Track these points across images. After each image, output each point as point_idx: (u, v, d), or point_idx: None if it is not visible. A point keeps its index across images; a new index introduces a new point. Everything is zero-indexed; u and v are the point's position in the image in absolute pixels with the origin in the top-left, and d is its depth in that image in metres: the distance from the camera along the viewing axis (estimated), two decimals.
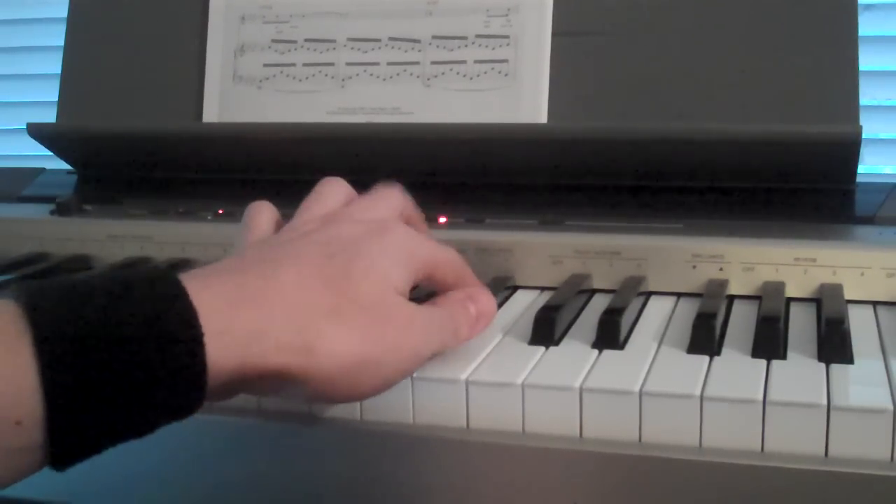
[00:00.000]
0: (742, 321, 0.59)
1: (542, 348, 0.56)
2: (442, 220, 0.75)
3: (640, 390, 0.49)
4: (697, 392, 0.48)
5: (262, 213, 0.56)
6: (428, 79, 0.81)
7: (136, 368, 0.40)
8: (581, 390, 0.49)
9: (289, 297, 0.46)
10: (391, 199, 0.57)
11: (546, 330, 0.57)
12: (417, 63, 0.82)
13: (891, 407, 0.46)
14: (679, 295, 0.66)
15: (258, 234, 0.54)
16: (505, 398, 0.50)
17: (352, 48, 0.84)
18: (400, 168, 0.83)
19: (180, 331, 0.41)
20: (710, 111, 0.75)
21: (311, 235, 0.51)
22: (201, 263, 0.73)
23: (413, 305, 0.50)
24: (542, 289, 0.68)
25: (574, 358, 0.53)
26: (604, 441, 0.49)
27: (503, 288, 0.66)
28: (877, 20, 1.08)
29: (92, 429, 0.41)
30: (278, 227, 0.55)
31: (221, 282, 0.45)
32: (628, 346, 0.56)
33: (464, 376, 0.51)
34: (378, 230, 0.51)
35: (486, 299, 0.55)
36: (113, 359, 0.40)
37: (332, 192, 0.57)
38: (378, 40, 0.83)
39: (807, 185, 0.75)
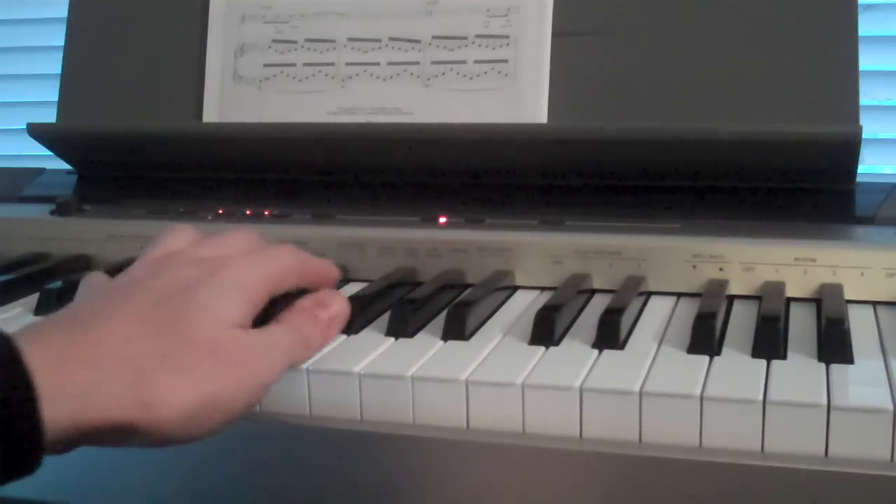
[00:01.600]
0: (742, 321, 0.59)
1: (542, 348, 0.56)
2: (442, 220, 0.75)
3: (640, 390, 0.49)
4: (697, 392, 0.48)
5: (175, 236, 0.55)
6: (428, 79, 0.82)
7: None
8: (581, 390, 0.49)
9: (121, 351, 0.45)
10: (236, 238, 0.56)
11: (546, 330, 0.57)
12: (417, 63, 0.82)
13: (891, 407, 0.46)
14: (679, 295, 0.66)
15: (159, 252, 0.54)
16: (505, 398, 0.50)
17: (352, 48, 0.84)
18: (400, 168, 0.83)
19: (15, 395, 0.41)
20: (710, 111, 0.75)
21: (142, 282, 0.50)
22: None
23: (253, 333, 0.50)
24: (542, 289, 0.68)
25: (574, 358, 0.53)
26: (604, 441, 0.49)
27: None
28: (877, 20, 1.08)
29: None
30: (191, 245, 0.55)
31: (55, 339, 0.45)
32: (628, 346, 0.56)
33: (464, 376, 0.51)
34: (209, 269, 0.51)
35: (337, 301, 0.55)
36: None
37: (175, 237, 0.56)
38: (378, 40, 0.83)
39: (807, 185, 0.75)
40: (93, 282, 0.55)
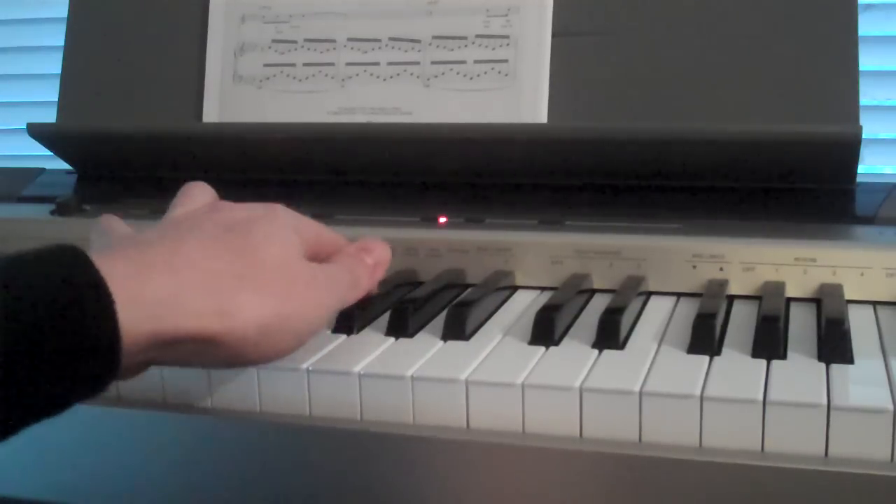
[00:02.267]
0: (742, 321, 0.59)
1: (542, 348, 0.56)
2: (442, 220, 0.75)
3: (640, 390, 0.49)
4: (697, 392, 0.48)
5: (195, 190, 0.57)
6: (428, 79, 0.82)
7: (48, 338, 0.40)
8: (581, 390, 0.49)
9: (197, 265, 0.47)
10: (265, 203, 0.58)
11: (546, 330, 0.57)
12: (417, 63, 0.82)
13: (891, 407, 0.46)
14: (679, 295, 0.66)
15: (191, 206, 0.55)
16: (505, 398, 0.50)
17: (352, 48, 0.84)
18: (400, 168, 0.83)
19: (90, 300, 0.41)
20: (710, 111, 0.75)
21: (205, 215, 0.52)
22: None
23: (314, 266, 0.53)
24: (542, 289, 0.68)
25: (574, 358, 0.53)
26: (604, 441, 0.49)
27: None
28: (877, 20, 1.08)
29: (4, 402, 0.40)
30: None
31: (128, 255, 0.46)
32: (628, 346, 0.56)
33: (464, 376, 0.51)
34: (264, 211, 0.53)
35: (381, 248, 0.59)
36: (24, 330, 0.40)
37: (200, 192, 0.57)
38: (378, 40, 0.83)
39: (807, 185, 0.75)
40: (113, 223, 0.55)
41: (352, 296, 0.56)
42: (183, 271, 0.46)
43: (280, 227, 0.52)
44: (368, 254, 0.58)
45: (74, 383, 0.42)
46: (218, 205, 0.55)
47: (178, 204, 0.56)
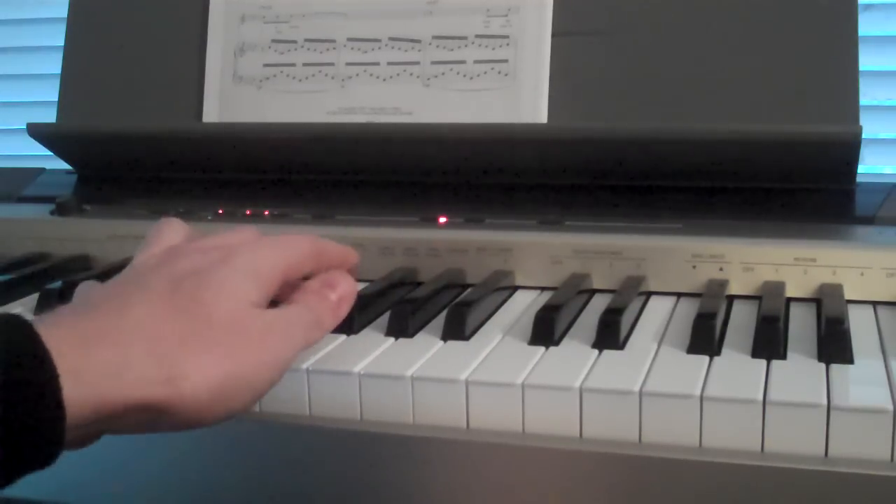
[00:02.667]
0: (742, 321, 0.59)
1: (542, 348, 0.56)
2: (442, 220, 0.75)
3: (640, 390, 0.49)
4: (697, 392, 0.48)
5: (165, 229, 0.56)
6: (428, 79, 0.81)
7: None
8: (581, 390, 0.49)
9: (143, 330, 0.45)
10: (241, 231, 0.57)
11: (546, 330, 0.57)
12: (417, 63, 0.82)
13: (891, 407, 0.46)
14: (679, 295, 0.66)
15: (156, 247, 0.54)
16: (505, 398, 0.50)
17: (352, 48, 0.84)
18: (400, 168, 0.83)
19: (33, 373, 0.40)
20: (710, 111, 0.75)
21: (155, 269, 0.50)
22: None
23: (270, 313, 0.50)
24: (542, 289, 0.68)
25: (574, 358, 0.53)
26: (604, 441, 0.49)
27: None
28: (877, 20, 1.08)
29: None
30: (187, 240, 0.55)
31: (73, 322, 0.44)
32: (628, 346, 0.56)
33: (464, 376, 0.51)
34: (221, 256, 0.51)
35: (345, 282, 0.56)
36: None
37: (171, 230, 0.56)
38: (378, 40, 0.83)
39: (807, 185, 0.75)
40: (89, 287, 0.54)
41: (313, 336, 0.53)
42: (128, 339, 0.44)
43: (233, 276, 0.49)
44: (332, 289, 0.55)
45: (18, 457, 0.41)
46: (176, 250, 0.53)
47: (147, 244, 0.54)
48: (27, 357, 0.40)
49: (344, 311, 0.56)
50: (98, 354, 0.43)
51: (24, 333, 0.41)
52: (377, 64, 0.83)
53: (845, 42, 0.73)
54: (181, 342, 0.46)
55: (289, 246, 0.54)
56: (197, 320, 0.47)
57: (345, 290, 0.56)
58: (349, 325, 0.59)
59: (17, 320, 0.42)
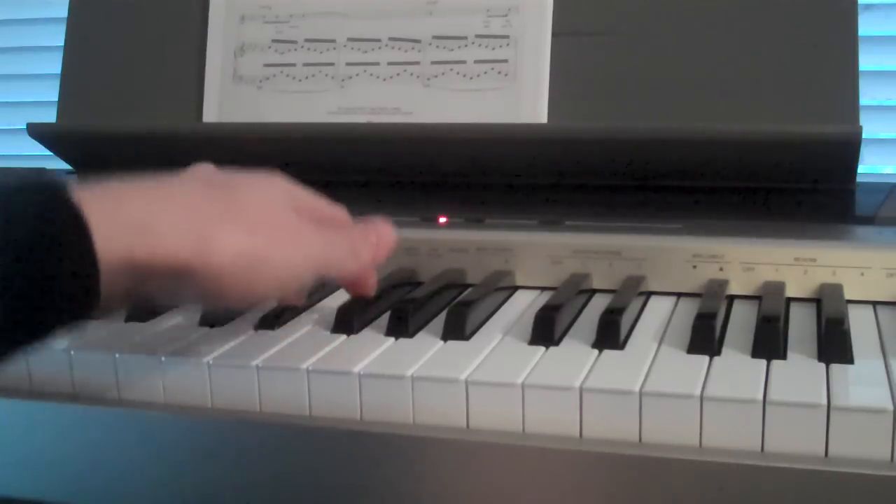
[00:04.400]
0: (742, 321, 0.59)
1: (542, 348, 0.56)
2: (442, 220, 0.75)
3: (640, 390, 0.49)
4: (697, 392, 0.48)
5: (200, 167, 0.57)
6: (428, 79, 0.82)
7: (25, 260, 0.41)
8: (581, 390, 0.49)
9: (175, 201, 0.47)
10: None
11: (546, 330, 0.57)
12: (417, 63, 0.82)
13: (891, 407, 0.46)
14: (679, 295, 0.66)
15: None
16: (505, 398, 0.50)
17: (352, 48, 0.84)
18: (400, 168, 0.83)
19: (67, 218, 0.42)
20: (710, 111, 0.75)
21: (196, 175, 0.53)
22: None
23: (306, 222, 0.53)
24: (542, 289, 0.68)
25: (574, 358, 0.53)
26: (604, 441, 0.49)
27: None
28: (877, 20, 1.08)
29: None
30: None
31: (109, 186, 0.46)
32: (628, 346, 0.56)
33: (464, 376, 0.51)
34: (259, 176, 0.54)
35: (387, 230, 0.59)
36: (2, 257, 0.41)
37: (204, 167, 0.58)
38: (378, 40, 0.83)
39: (807, 185, 0.75)
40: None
41: (349, 265, 0.56)
42: (163, 203, 0.47)
43: (272, 185, 0.52)
44: (374, 232, 0.58)
45: (56, 301, 0.42)
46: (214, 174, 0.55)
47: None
48: (62, 205, 0.42)
49: (382, 254, 0.58)
50: (130, 207, 0.45)
51: (59, 187, 0.43)
52: (377, 64, 0.83)
53: (845, 42, 0.73)
54: (211, 215, 0.48)
55: (326, 201, 0.57)
56: (231, 204, 0.49)
57: (385, 236, 0.59)
58: (349, 325, 0.59)
59: (52, 176, 0.44)
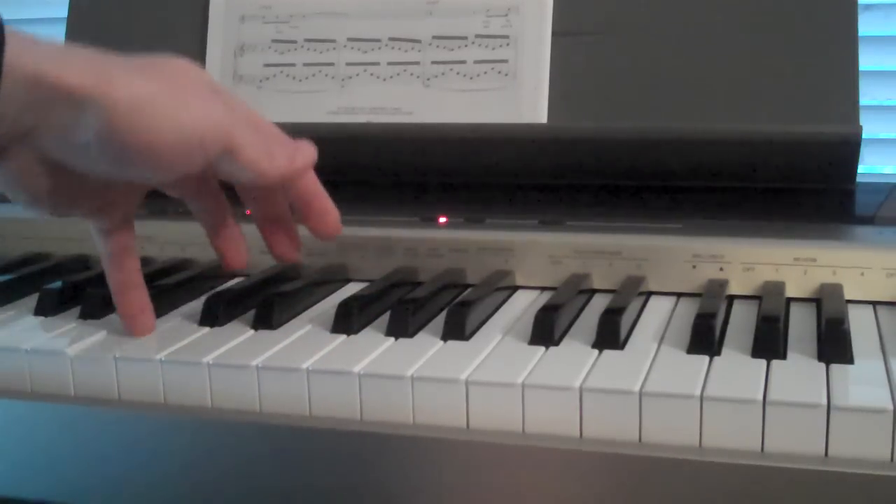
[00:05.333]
0: (742, 321, 0.59)
1: (542, 348, 0.56)
2: (442, 220, 0.75)
3: (640, 390, 0.49)
4: (697, 392, 0.48)
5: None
6: (428, 79, 0.82)
7: None
8: (581, 390, 0.49)
9: (92, 53, 0.50)
10: None
11: (546, 330, 0.57)
12: (417, 63, 0.82)
13: (891, 407, 0.46)
14: (679, 295, 0.66)
15: None
16: (505, 398, 0.50)
17: (352, 48, 0.84)
18: (400, 168, 0.83)
19: None
20: (710, 111, 0.75)
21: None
22: (201, 263, 0.73)
23: (217, 97, 0.54)
24: (542, 289, 0.68)
25: (574, 358, 0.53)
26: (604, 441, 0.49)
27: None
28: (877, 20, 1.08)
29: None
30: None
31: (34, 37, 0.49)
32: (628, 346, 0.56)
33: (464, 376, 0.51)
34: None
35: (308, 146, 0.59)
36: None
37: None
38: (378, 40, 0.83)
39: (807, 185, 0.75)
40: None
41: (261, 161, 0.54)
42: (76, 51, 0.50)
43: (199, 69, 0.54)
44: (293, 143, 0.58)
45: None
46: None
47: None
48: None
49: (300, 163, 0.58)
50: (46, 46, 0.49)
51: None
52: (377, 64, 0.83)
53: (845, 42, 0.73)
54: (122, 65, 0.50)
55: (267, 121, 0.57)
56: (146, 66, 0.52)
57: (306, 147, 0.59)
58: (349, 325, 0.59)
59: None
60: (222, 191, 0.62)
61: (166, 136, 0.50)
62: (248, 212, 0.63)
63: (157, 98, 0.50)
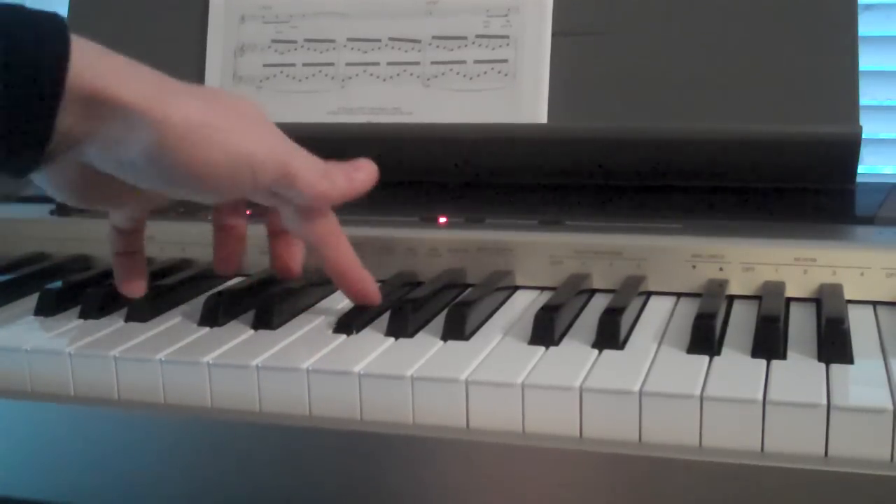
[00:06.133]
0: (742, 321, 0.59)
1: (542, 348, 0.56)
2: (442, 220, 0.75)
3: (640, 390, 0.49)
4: (697, 392, 0.48)
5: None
6: (428, 79, 0.81)
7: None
8: (581, 390, 0.49)
9: (157, 74, 0.52)
10: None
11: (546, 330, 0.57)
12: (417, 63, 0.82)
13: (891, 407, 0.46)
14: (679, 295, 0.66)
15: None
16: (505, 398, 0.50)
17: (352, 48, 0.84)
18: (400, 168, 0.83)
19: (52, 29, 0.46)
20: (710, 111, 0.75)
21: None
22: (201, 263, 0.73)
23: (274, 126, 0.55)
24: (542, 289, 0.68)
25: (574, 358, 0.53)
26: (604, 441, 0.49)
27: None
28: (877, 20, 1.08)
29: None
30: None
31: (105, 48, 0.50)
32: (628, 346, 0.56)
33: (464, 376, 0.51)
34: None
35: (367, 163, 0.60)
36: None
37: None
38: (378, 40, 0.83)
39: (807, 185, 0.75)
40: None
41: (318, 183, 0.55)
42: (142, 67, 0.51)
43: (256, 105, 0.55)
44: (351, 165, 0.59)
45: (14, 123, 0.46)
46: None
47: None
48: (53, 32, 0.47)
49: (360, 181, 0.58)
50: (111, 60, 0.50)
51: (58, 25, 0.47)
52: (377, 64, 0.83)
53: (845, 42, 0.73)
54: (180, 88, 0.51)
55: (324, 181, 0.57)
56: (204, 93, 0.52)
57: (367, 166, 0.60)
58: (349, 325, 0.59)
59: (58, 18, 0.48)
60: (245, 204, 0.63)
61: (216, 160, 0.50)
62: (248, 212, 0.63)
63: (210, 122, 0.50)
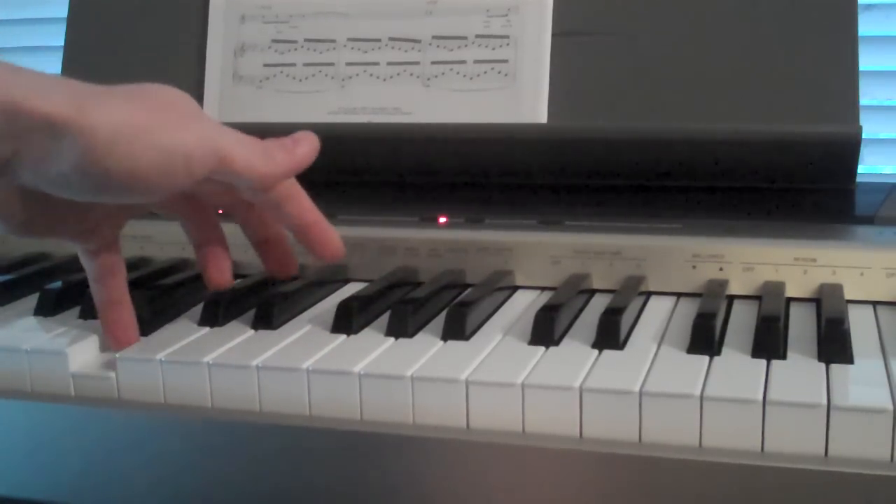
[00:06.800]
0: (742, 321, 0.59)
1: (542, 348, 0.56)
2: (442, 220, 0.75)
3: (640, 390, 0.49)
4: (697, 392, 0.48)
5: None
6: (428, 79, 0.82)
7: None
8: (581, 390, 0.49)
9: (70, 81, 0.50)
10: None
11: (546, 330, 0.57)
12: (417, 63, 0.82)
13: (891, 407, 0.46)
14: (679, 295, 0.66)
15: None
16: (505, 398, 0.50)
17: (352, 48, 0.84)
18: (400, 168, 0.83)
19: None
20: (710, 111, 0.75)
21: None
22: None
23: (206, 116, 0.53)
24: (542, 289, 0.68)
25: (574, 358, 0.53)
26: (604, 441, 0.49)
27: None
28: (877, 20, 1.08)
29: None
30: None
31: (16, 67, 0.49)
32: (628, 346, 0.56)
33: (464, 376, 0.51)
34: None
35: (308, 135, 0.57)
36: None
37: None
38: (378, 40, 0.83)
39: (807, 185, 0.75)
40: None
41: (258, 164, 0.53)
42: (55, 79, 0.49)
43: (182, 93, 0.53)
44: (290, 139, 0.57)
45: None
46: None
47: None
48: None
49: (301, 152, 0.56)
50: (26, 74, 0.49)
51: None
52: (377, 64, 0.83)
53: (845, 42, 0.73)
54: (102, 93, 0.49)
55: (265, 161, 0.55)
56: (129, 92, 0.50)
57: (306, 139, 0.57)
58: (349, 325, 0.59)
59: None
60: (213, 210, 0.61)
61: (148, 158, 0.49)
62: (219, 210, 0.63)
63: (136, 122, 0.48)
